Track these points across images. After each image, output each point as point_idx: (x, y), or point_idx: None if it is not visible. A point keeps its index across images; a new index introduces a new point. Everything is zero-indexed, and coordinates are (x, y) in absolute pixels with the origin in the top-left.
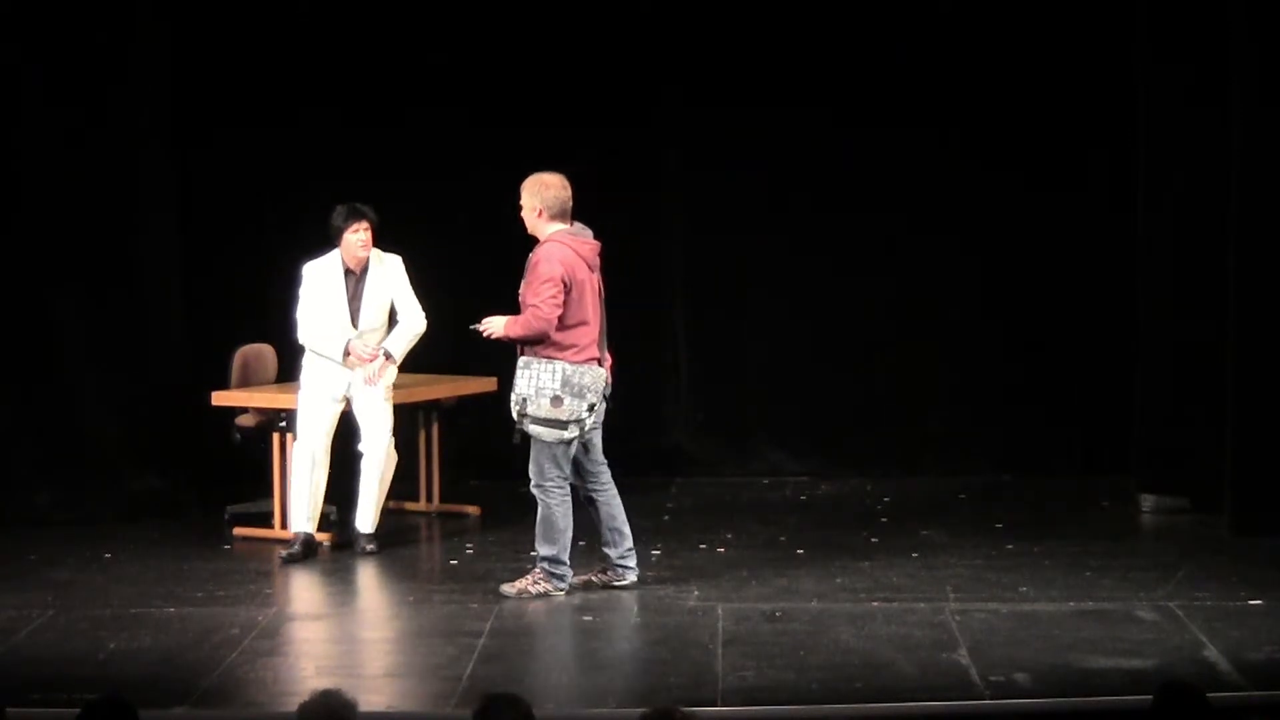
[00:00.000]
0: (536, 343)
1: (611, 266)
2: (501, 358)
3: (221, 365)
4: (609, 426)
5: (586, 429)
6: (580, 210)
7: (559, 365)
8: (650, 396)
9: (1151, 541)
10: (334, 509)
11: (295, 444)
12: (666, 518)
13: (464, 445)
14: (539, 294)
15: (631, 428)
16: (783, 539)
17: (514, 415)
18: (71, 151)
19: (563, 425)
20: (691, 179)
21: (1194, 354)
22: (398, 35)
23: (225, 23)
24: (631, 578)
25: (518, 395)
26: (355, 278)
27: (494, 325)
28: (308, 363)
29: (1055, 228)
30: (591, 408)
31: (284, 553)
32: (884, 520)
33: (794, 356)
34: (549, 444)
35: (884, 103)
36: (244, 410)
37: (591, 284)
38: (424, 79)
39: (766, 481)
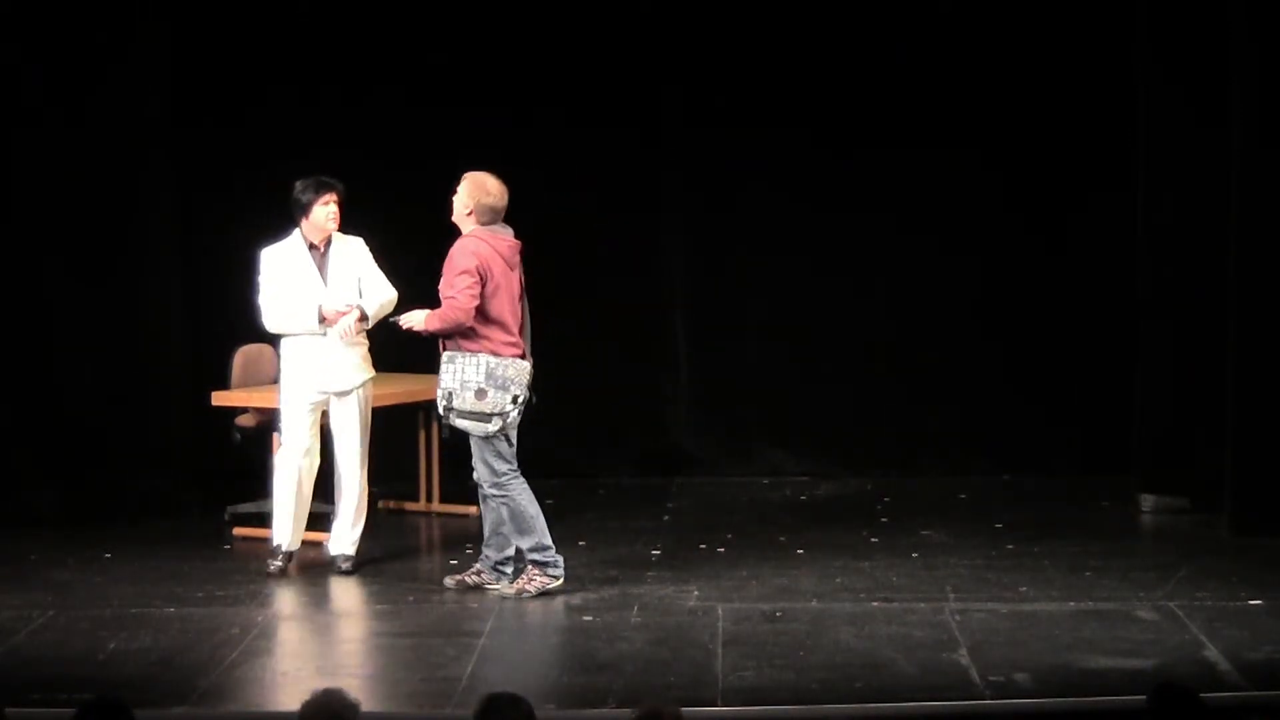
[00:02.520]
0: (458, 335)
1: (613, 266)
2: None
3: (221, 365)
4: (612, 427)
5: (510, 421)
6: (583, 209)
7: (482, 358)
8: (650, 396)
9: (1151, 541)
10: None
11: (281, 450)
12: (666, 518)
13: (464, 445)
14: (454, 285)
15: (631, 428)
16: (783, 539)
17: (440, 410)
18: (71, 152)
19: (486, 418)
20: (693, 179)
21: (1194, 354)
22: (397, 34)
23: (224, 22)
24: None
25: (443, 390)
26: (320, 253)
27: (414, 319)
28: (286, 363)
29: (1055, 228)
30: (515, 399)
31: (272, 565)
32: (884, 520)
33: (794, 356)
34: (481, 440)
35: (882, 106)
36: (244, 410)
37: (510, 281)
38: (428, 79)
39: (766, 481)
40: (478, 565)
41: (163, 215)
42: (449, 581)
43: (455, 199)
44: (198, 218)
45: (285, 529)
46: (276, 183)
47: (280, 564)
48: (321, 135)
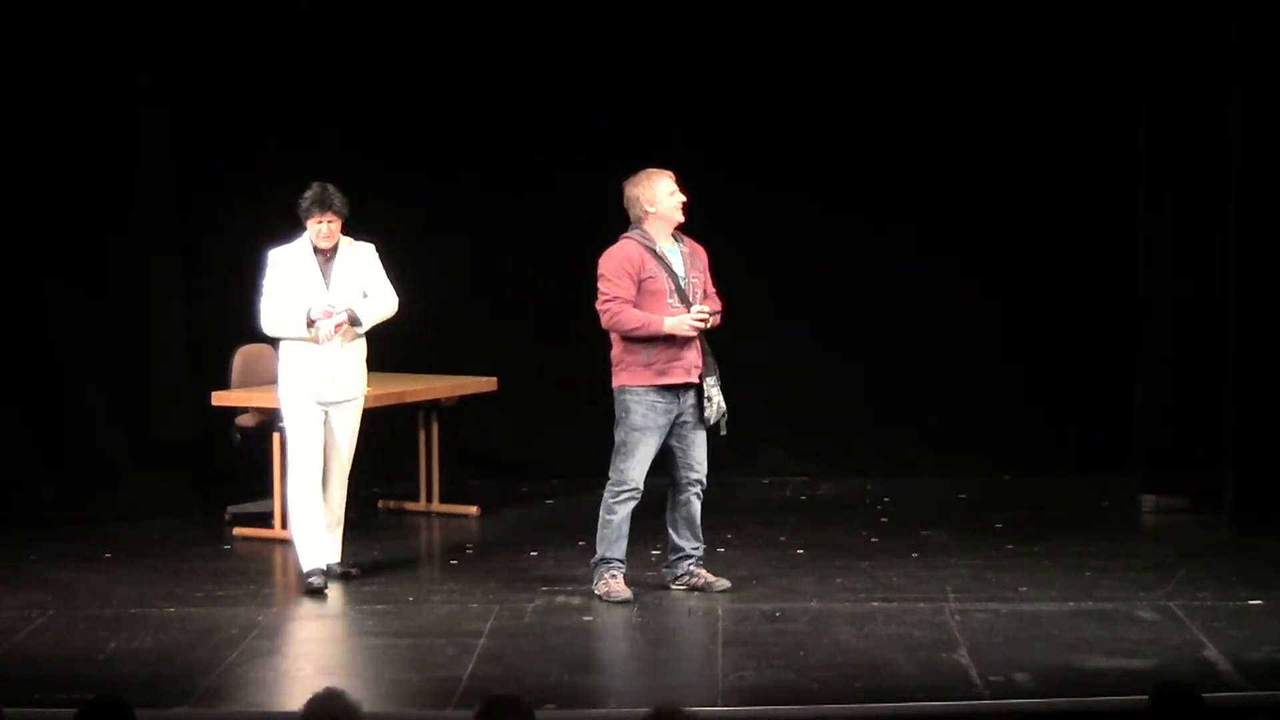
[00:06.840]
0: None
1: None
2: (501, 357)
3: (221, 365)
4: (606, 426)
5: None
6: (583, 208)
7: None
8: None
9: (1151, 541)
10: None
11: (293, 467)
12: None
13: (464, 445)
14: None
15: None
16: (783, 539)
17: (724, 409)
18: (70, 151)
19: None
20: (694, 179)
21: (1194, 354)
22: (395, 34)
23: (225, 20)
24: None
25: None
26: (325, 257)
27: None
28: (286, 371)
29: (1055, 228)
30: None
31: (314, 583)
32: (884, 520)
33: (794, 357)
34: None
35: (882, 107)
36: (244, 410)
37: None
38: (430, 74)
39: (766, 481)
40: (690, 565)
41: (162, 214)
42: (675, 587)
43: (679, 195)
44: (198, 217)
45: (313, 552)
46: (277, 181)
47: (319, 582)
48: (321, 134)
